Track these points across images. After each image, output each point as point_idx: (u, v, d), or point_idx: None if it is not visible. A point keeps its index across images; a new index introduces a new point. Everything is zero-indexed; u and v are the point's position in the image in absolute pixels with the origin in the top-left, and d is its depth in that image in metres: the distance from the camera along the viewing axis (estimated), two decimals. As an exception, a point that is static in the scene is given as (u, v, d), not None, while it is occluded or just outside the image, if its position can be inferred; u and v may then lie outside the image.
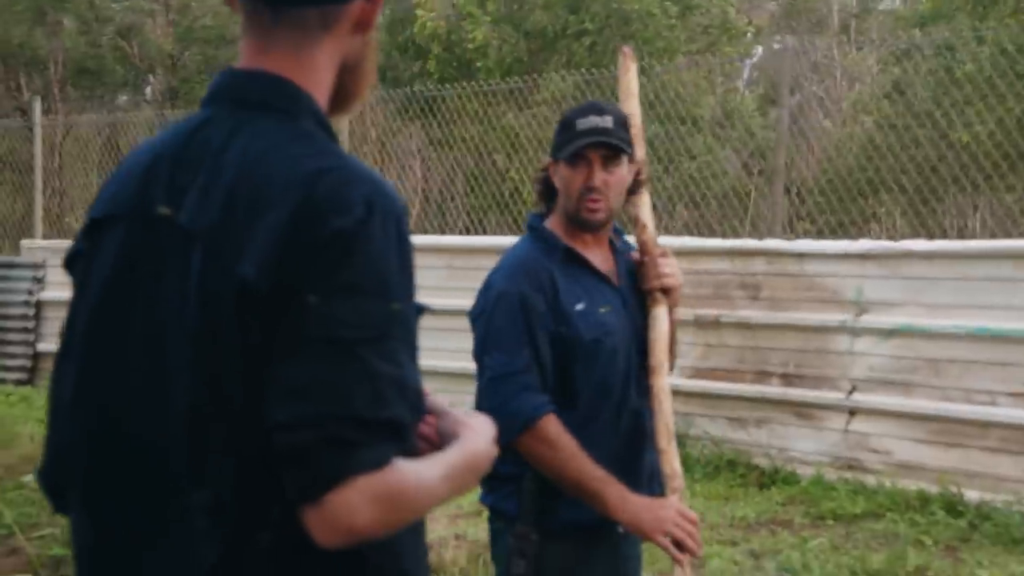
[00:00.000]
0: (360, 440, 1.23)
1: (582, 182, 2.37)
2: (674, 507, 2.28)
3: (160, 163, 1.40)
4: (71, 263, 1.47)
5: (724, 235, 7.85)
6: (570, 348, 2.34)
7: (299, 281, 1.26)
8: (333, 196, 1.28)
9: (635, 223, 2.51)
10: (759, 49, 13.89)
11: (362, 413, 1.24)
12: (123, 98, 17.75)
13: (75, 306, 1.44)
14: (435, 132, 9.77)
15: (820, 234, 7.60)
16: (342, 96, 1.48)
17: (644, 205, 2.51)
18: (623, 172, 2.40)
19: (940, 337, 5.62)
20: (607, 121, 2.39)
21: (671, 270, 2.46)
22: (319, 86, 1.42)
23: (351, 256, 1.26)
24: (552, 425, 2.27)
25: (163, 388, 1.34)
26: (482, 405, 2.31)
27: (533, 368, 2.30)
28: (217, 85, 1.44)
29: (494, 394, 2.30)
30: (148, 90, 17.75)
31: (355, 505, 1.22)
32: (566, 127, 2.40)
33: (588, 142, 2.36)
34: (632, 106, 2.53)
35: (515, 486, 2.35)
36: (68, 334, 1.43)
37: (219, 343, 1.29)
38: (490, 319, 2.34)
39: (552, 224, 2.46)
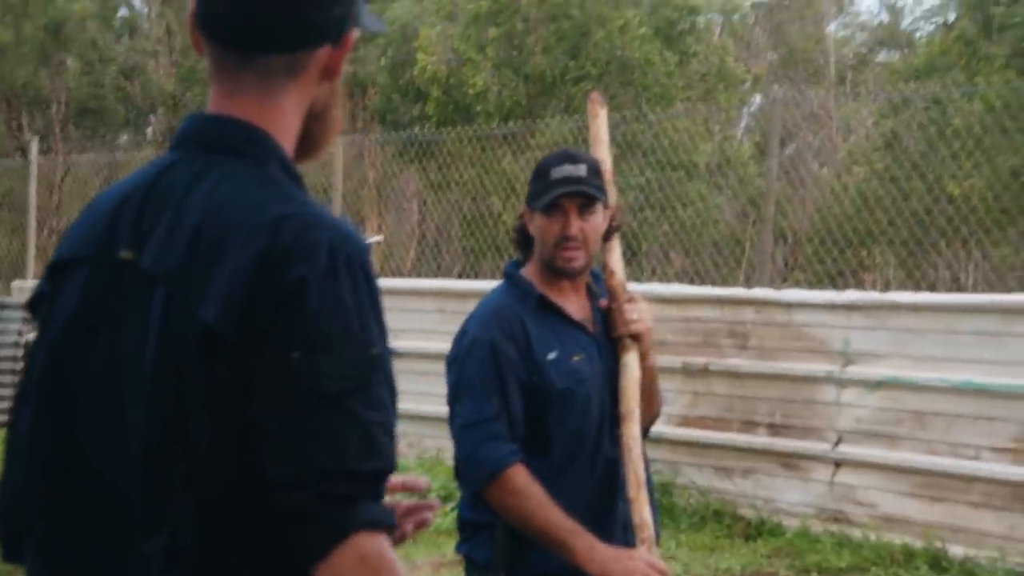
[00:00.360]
0: (356, 494, 1.25)
1: (558, 231, 2.38)
2: (643, 558, 2.27)
3: (125, 206, 1.41)
4: (34, 305, 1.48)
5: (718, 283, 7.88)
6: (543, 397, 2.34)
7: (272, 330, 1.26)
8: (297, 242, 1.29)
9: (604, 269, 2.51)
10: (757, 97, 14.02)
11: (356, 466, 1.25)
12: (124, 138, 17.89)
13: (35, 348, 1.45)
14: (433, 175, 9.84)
15: (814, 283, 7.63)
16: (308, 143, 1.49)
17: (613, 251, 2.51)
18: (598, 219, 2.42)
19: (926, 390, 5.63)
20: (581, 169, 2.41)
21: (639, 315, 2.45)
22: (285, 132, 1.43)
23: (325, 306, 1.27)
24: (519, 475, 2.27)
25: (121, 430, 1.34)
26: (455, 451, 2.33)
27: (502, 416, 2.30)
28: (184, 130, 1.45)
29: (463, 442, 2.31)
30: (149, 130, 17.89)
31: (354, 561, 1.23)
32: (541, 176, 2.42)
33: (564, 192, 2.37)
34: (602, 152, 2.54)
35: (488, 534, 2.35)
36: (27, 376, 1.44)
37: (180, 384, 1.29)
38: (462, 366, 2.36)
39: (528, 272, 2.47)
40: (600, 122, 2.60)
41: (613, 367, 2.45)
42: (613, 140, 2.66)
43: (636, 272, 8.52)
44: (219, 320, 1.27)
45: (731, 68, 13.70)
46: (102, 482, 1.37)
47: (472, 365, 2.34)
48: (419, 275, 9.49)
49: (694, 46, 13.84)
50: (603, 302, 2.50)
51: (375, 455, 1.27)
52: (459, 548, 2.46)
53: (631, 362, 2.44)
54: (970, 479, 5.47)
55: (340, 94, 1.53)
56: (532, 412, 2.35)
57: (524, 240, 2.49)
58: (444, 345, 8.25)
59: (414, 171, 10.65)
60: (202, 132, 1.44)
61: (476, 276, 9.09)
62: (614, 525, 2.41)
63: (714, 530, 5.97)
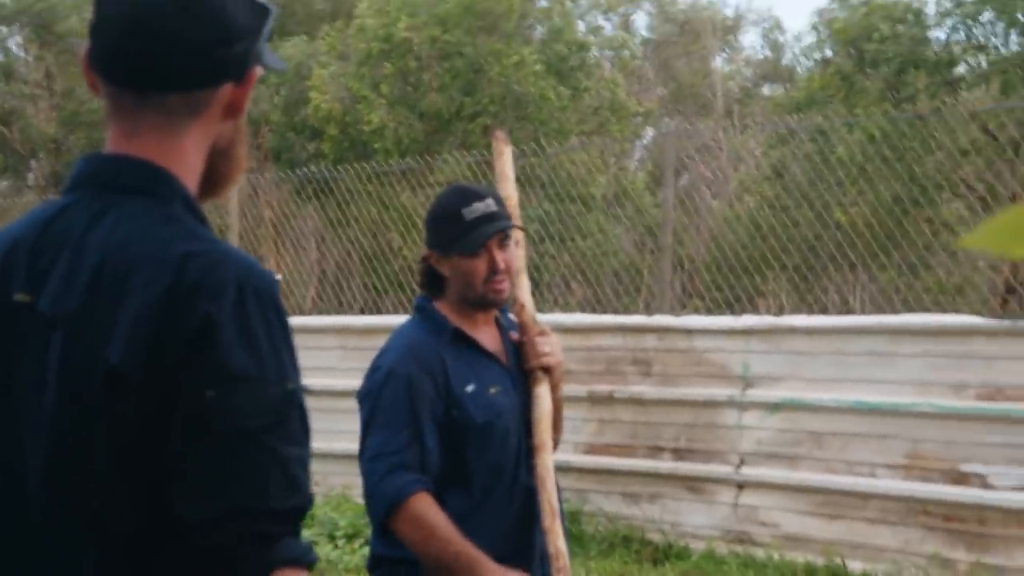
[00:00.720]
0: (277, 532, 1.24)
1: (485, 269, 2.40)
2: None
3: (17, 250, 1.37)
4: None
5: (619, 311, 8.00)
6: (462, 431, 2.35)
7: (182, 369, 1.25)
8: (204, 279, 1.27)
9: (513, 303, 2.54)
10: (649, 131, 14.35)
11: (275, 505, 1.24)
12: (4, 183, 17.33)
13: None
14: (331, 212, 9.77)
15: (711, 310, 7.81)
16: (213, 181, 1.47)
17: (522, 285, 2.55)
18: (514, 248, 2.47)
19: (822, 410, 5.80)
20: (491, 205, 2.44)
21: (551, 348, 2.49)
22: (188, 170, 1.40)
23: (237, 343, 1.26)
24: (420, 503, 2.25)
25: (19, 477, 1.31)
26: (363, 484, 2.32)
27: (412, 448, 2.29)
28: (80, 171, 1.42)
29: (369, 474, 2.30)
30: (30, 175, 17.37)
31: None
32: (452, 219, 2.41)
33: (492, 232, 2.40)
34: (509, 188, 2.59)
35: (406, 570, 2.33)
36: None
37: (82, 430, 1.27)
38: (376, 399, 2.35)
39: (441, 306, 2.48)
40: (506, 159, 2.65)
41: (526, 399, 2.48)
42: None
43: (539, 303, 8.56)
44: (124, 360, 1.25)
45: (623, 100, 14.00)
46: (2, 532, 1.33)
47: (386, 398, 2.33)
48: (320, 312, 9.39)
49: (585, 81, 14.10)
50: (514, 335, 2.53)
51: (295, 492, 1.26)
52: None
53: (543, 394, 2.47)
54: (866, 496, 5.65)
55: (244, 131, 1.51)
56: (451, 446, 2.35)
57: (432, 281, 2.49)
58: (347, 382, 8.19)
59: (312, 209, 10.56)
60: (100, 172, 1.40)
61: (378, 312, 9.04)
62: (533, 554, 2.43)
63: (623, 556, 6.03)
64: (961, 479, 5.41)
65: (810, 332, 5.93)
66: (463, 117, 12.47)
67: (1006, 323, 5.45)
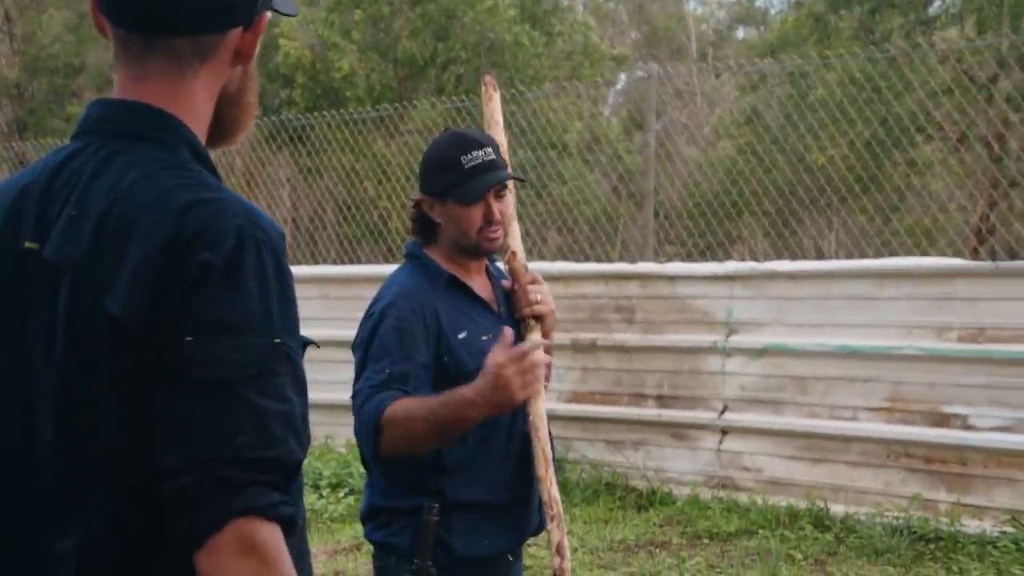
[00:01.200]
0: (242, 479, 1.22)
1: (481, 218, 2.38)
2: (506, 358, 2.20)
3: (28, 196, 1.37)
4: None
5: (596, 259, 7.98)
6: (454, 378, 2.32)
7: (174, 317, 1.23)
8: (204, 229, 1.26)
9: (505, 251, 2.53)
10: (622, 76, 14.25)
11: (245, 454, 1.22)
12: (-33, 129, 16.97)
13: None
14: (304, 161, 9.65)
15: (688, 257, 7.80)
16: (223, 128, 1.47)
17: (514, 233, 2.53)
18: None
19: (805, 355, 5.82)
20: (490, 153, 2.41)
21: (542, 296, 2.49)
22: (196, 117, 1.40)
23: (225, 292, 1.24)
24: (394, 406, 2.20)
25: (30, 427, 1.30)
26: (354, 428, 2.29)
27: (394, 377, 2.25)
28: (88, 116, 1.41)
29: (355, 411, 2.27)
30: (-7, 121, 17.03)
31: (233, 549, 1.20)
32: (451, 166, 2.38)
33: (493, 183, 2.38)
34: (499, 134, 2.56)
35: (407, 520, 2.32)
36: None
37: (88, 378, 1.26)
38: (367, 346, 2.32)
39: (431, 253, 2.46)
40: (495, 104, 2.61)
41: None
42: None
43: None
44: (126, 310, 1.24)
45: (596, 45, 13.87)
46: (8, 482, 1.32)
47: (378, 342, 2.30)
48: (295, 262, 9.31)
49: (558, 25, 13.95)
50: (506, 283, 2.52)
51: (268, 444, 1.23)
52: (371, 535, 2.43)
53: (535, 341, 2.45)
54: (848, 439, 5.70)
55: (254, 78, 1.50)
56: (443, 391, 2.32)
57: (424, 227, 2.46)
58: (328, 332, 8.15)
59: (284, 157, 10.43)
60: (107, 118, 1.39)
61: (353, 261, 8.97)
62: (531, 501, 2.44)
63: (607, 502, 6.06)
64: (943, 421, 5.46)
65: (793, 277, 5.93)
66: (436, 64, 12.30)
67: (988, 264, 5.47)
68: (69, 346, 1.28)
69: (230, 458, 1.21)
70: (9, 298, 1.34)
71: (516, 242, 2.53)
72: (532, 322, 2.47)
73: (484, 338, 2.40)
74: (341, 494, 6.30)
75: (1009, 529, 5.11)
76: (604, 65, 14.52)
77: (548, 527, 2.37)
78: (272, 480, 1.24)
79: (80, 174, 1.34)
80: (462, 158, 2.38)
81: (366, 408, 2.23)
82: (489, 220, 2.38)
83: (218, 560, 1.20)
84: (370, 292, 2.51)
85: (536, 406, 2.39)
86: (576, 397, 6.47)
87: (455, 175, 2.37)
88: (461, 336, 2.37)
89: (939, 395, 5.46)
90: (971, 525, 5.20)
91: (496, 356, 2.19)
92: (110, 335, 1.25)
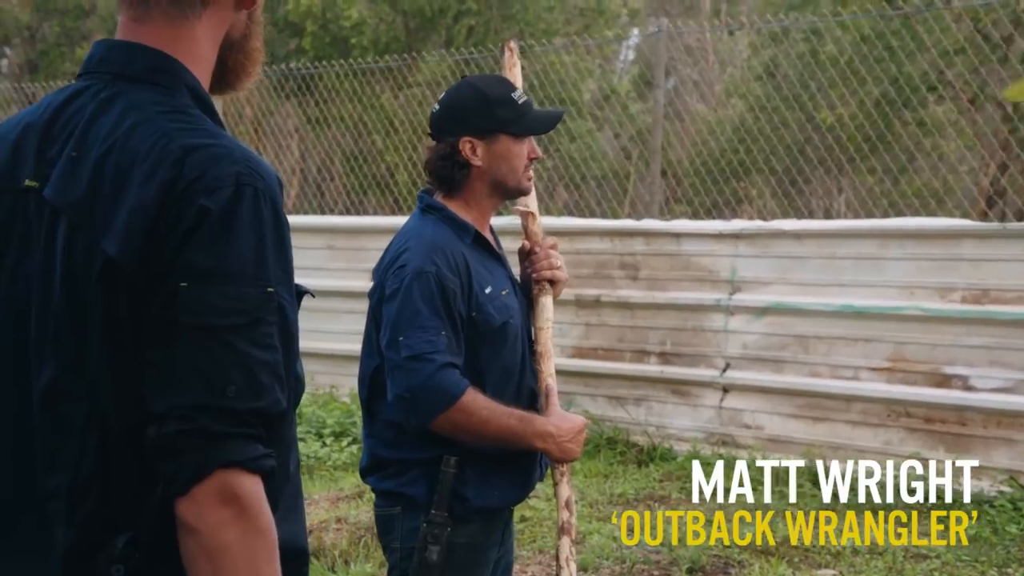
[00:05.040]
0: (226, 431, 1.23)
1: (526, 155, 2.43)
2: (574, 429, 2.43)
3: (29, 134, 1.37)
4: None
5: (604, 216, 7.97)
6: (479, 332, 2.36)
7: (169, 262, 1.24)
8: (202, 175, 1.26)
9: (525, 212, 2.58)
10: (635, 32, 14.10)
11: (233, 404, 1.23)
12: (-22, 70, 16.92)
13: None
14: (312, 111, 9.61)
15: (695, 215, 7.78)
16: (228, 74, 1.46)
17: (532, 196, 2.58)
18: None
19: (808, 314, 5.83)
20: (529, 97, 2.48)
21: (561, 263, 2.55)
22: (198, 61, 1.40)
23: (220, 239, 1.25)
24: (473, 394, 2.29)
25: (24, 366, 1.31)
26: (398, 383, 2.29)
27: (452, 347, 2.30)
28: (91, 57, 1.40)
29: (413, 373, 2.27)
30: (4, 63, 16.95)
31: (215, 499, 1.22)
32: (507, 102, 2.40)
33: (554, 117, 2.48)
34: None
35: (421, 470, 2.35)
36: None
37: (83, 320, 1.27)
38: (406, 298, 2.31)
39: (452, 204, 2.45)
40: (518, 71, 2.63)
41: (524, 303, 2.53)
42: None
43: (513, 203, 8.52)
44: (122, 252, 1.24)
45: (608, 1, 13.72)
46: (3, 416, 1.34)
47: (418, 297, 2.30)
48: (303, 212, 9.31)
49: (570, -22, 13.78)
50: (525, 244, 2.57)
51: (255, 395, 1.24)
52: (380, 484, 2.43)
53: (548, 304, 2.54)
54: (849, 398, 5.72)
55: (260, 23, 1.49)
56: (468, 347, 2.36)
57: (452, 174, 2.42)
58: (334, 282, 8.11)
59: (292, 107, 10.39)
60: (109, 59, 1.39)
61: (360, 213, 8.97)
62: (534, 456, 2.47)
63: (608, 457, 6.10)
64: (944, 381, 5.47)
65: (798, 236, 5.92)
66: (447, 16, 12.19)
67: (995, 226, 5.45)
68: (67, 289, 1.28)
69: (217, 408, 1.22)
70: (7, 236, 1.35)
71: (534, 204, 2.59)
72: (547, 285, 2.53)
73: (503, 293, 2.43)
74: (344, 443, 6.35)
75: (1006, 489, 5.15)
76: (617, 21, 14.39)
77: (556, 482, 2.44)
78: (256, 433, 1.25)
79: (80, 115, 1.34)
80: (513, 94, 2.42)
81: (441, 380, 2.26)
82: (532, 159, 2.45)
83: (199, 510, 1.21)
84: (376, 244, 2.53)
85: (548, 366, 2.48)
86: (579, 352, 6.49)
87: (511, 109, 2.40)
88: (487, 291, 2.39)
89: (941, 356, 5.47)
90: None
91: (580, 425, 2.44)
92: (105, 276, 1.25)
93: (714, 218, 7.37)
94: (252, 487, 1.23)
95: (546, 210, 8.50)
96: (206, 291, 1.23)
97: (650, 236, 6.35)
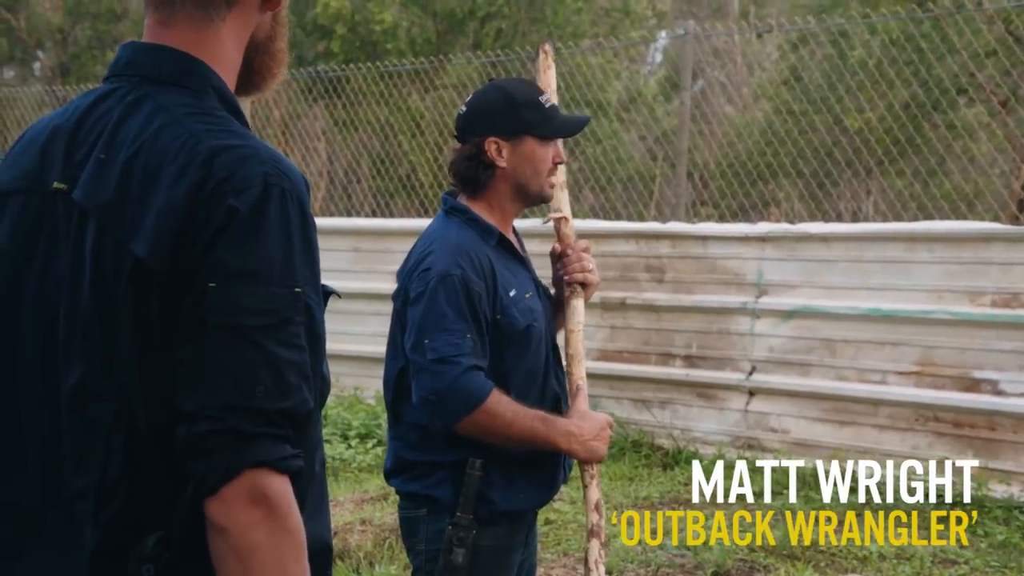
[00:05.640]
0: (255, 431, 1.23)
1: (551, 159, 2.44)
2: (599, 426, 2.42)
3: (58, 137, 1.38)
4: None
5: (629, 218, 7.95)
6: (504, 335, 2.37)
7: (198, 263, 1.25)
8: (230, 176, 1.27)
9: (558, 216, 2.59)
10: (663, 34, 14.07)
11: (262, 405, 1.24)
12: (10, 73, 17.11)
13: None
14: (339, 114, 9.66)
15: (722, 218, 7.76)
16: (253, 76, 1.47)
17: (564, 199, 2.59)
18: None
19: (835, 318, 5.79)
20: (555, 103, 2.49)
21: (592, 266, 2.56)
22: (224, 63, 1.40)
23: (248, 239, 1.25)
24: (498, 397, 2.30)
25: (52, 367, 1.32)
26: (424, 386, 2.30)
27: (477, 350, 2.31)
28: (118, 59, 1.41)
29: (439, 376, 2.28)
30: (36, 66, 17.15)
31: (244, 500, 1.22)
32: (534, 104, 2.41)
33: (580, 123, 2.50)
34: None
35: (446, 473, 2.36)
36: None
37: (112, 321, 1.27)
38: (432, 300, 2.31)
39: (475, 207, 2.45)
40: (552, 74, 2.64)
41: (547, 306, 2.53)
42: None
43: (547, 209, 8.53)
44: (151, 253, 1.25)
45: (634, 4, 13.70)
46: (31, 416, 1.35)
47: (443, 300, 2.31)
48: (330, 215, 9.35)
49: (599, -19, 13.76)
50: (556, 247, 2.58)
51: (283, 395, 1.25)
52: (404, 486, 2.44)
53: (579, 307, 2.54)
54: (876, 402, 5.68)
55: (285, 24, 1.50)
56: (493, 350, 2.36)
57: (476, 176, 2.43)
58: (359, 284, 8.12)
59: (320, 109, 10.44)
60: (136, 62, 1.40)
61: (386, 216, 9.01)
62: (561, 457, 2.47)
63: (633, 460, 6.09)
64: (973, 386, 5.43)
65: (825, 239, 5.89)
66: (476, 18, 12.21)
67: (1024, 230, 5.40)
68: (96, 291, 1.29)
69: (246, 408, 1.23)
70: (36, 237, 1.36)
71: (566, 208, 2.60)
72: (579, 288, 2.54)
73: (527, 296, 2.43)
74: (369, 444, 6.38)
75: (1036, 495, 5.09)
76: (644, 24, 14.36)
77: (586, 484, 2.43)
78: (284, 433, 1.25)
79: (108, 117, 1.35)
80: (540, 98, 2.43)
81: (467, 383, 2.27)
82: (556, 163, 2.45)
83: (228, 510, 1.22)
84: (402, 246, 2.53)
85: (579, 369, 2.50)
86: (604, 355, 6.48)
87: (537, 112, 2.41)
88: (512, 294, 2.40)
89: (970, 360, 5.43)
90: (998, 490, 5.18)
91: (603, 423, 2.43)
92: (134, 278, 1.26)
93: (741, 221, 7.34)
94: (281, 487, 1.24)
95: (572, 212, 8.49)
96: (235, 291, 1.24)
97: (676, 239, 6.33)
